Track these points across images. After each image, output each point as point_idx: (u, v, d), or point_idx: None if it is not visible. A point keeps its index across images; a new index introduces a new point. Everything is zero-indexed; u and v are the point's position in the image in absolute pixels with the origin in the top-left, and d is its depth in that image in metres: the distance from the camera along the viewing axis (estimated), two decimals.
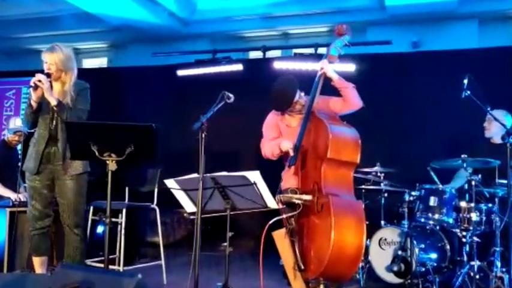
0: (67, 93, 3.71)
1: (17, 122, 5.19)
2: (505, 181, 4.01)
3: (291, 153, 3.54)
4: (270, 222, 3.30)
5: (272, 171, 3.86)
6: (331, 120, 3.52)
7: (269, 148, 3.81)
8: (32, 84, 3.56)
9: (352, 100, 3.69)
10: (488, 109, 4.18)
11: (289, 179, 3.72)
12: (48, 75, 3.64)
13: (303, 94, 3.81)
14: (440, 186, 4.44)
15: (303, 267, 3.37)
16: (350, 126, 3.58)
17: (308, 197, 3.37)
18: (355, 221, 3.25)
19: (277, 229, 3.53)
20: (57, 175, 3.75)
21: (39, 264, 3.86)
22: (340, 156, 3.40)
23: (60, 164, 3.71)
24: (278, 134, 3.89)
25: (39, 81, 3.55)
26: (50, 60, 3.68)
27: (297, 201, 3.38)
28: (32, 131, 3.86)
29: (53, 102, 3.61)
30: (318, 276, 3.28)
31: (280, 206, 3.42)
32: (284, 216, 3.46)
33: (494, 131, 4.74)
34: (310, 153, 3.59)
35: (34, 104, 3.65)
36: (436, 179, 4.59)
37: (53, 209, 3.86)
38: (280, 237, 3.54)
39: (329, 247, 3.10)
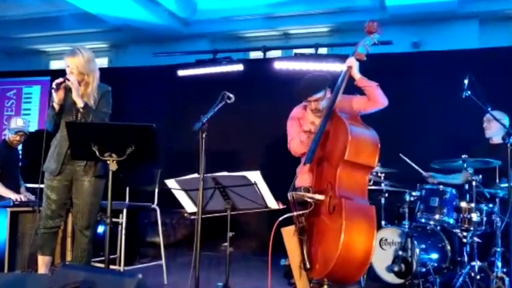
0: (90, 96, 3.73)
1: (18, 122, 5.18)
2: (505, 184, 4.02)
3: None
4: (280, 218, 3.28)
5: (278, 170, 3.87)
6: (351, 121, 3.44)
7: (294, 147, 3.80)
8: (54, 86, 3.57)
9: (377, 99, 3.63)
10: (489, 109, 4.18)
11: (303, 176, 3.69)
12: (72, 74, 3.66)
13: (329, 95, 3.73)
14: (441, 186, 4.43)
15: (308, 266, 3.35)
16: (370, 128, 3.49)
17: (321, 197, 3.33)
18: (366, 226, 3.19)
19: (284, 226, 3.51)
20: (76, 176, 3.77)
21: (42, 263, 3.85)
22: (358, 159, 3.32)
23: (81, 165, 3.73)
24: (300, 131, 3.84)
25: (69, 80, 3.57)
26: (71, 64, 3.69)
27: (309, 200, 3.35)
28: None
29: (80, 104, 3.63)
30: (322, 277, 3.26)
31: (281, 206, 3.40)
32: (295, 213, 3.43)
33: (494, 131, 4.75)
34: (328, 152, 3.53)
35: (56, 106, 3.67)
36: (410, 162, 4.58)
37: (66, 209, 3.88)
38: (289, 234, 3.51)
39: (337, 250, 3.06)
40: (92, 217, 3.79)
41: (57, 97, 3.63)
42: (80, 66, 3.68)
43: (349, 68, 3.67)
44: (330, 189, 3.33)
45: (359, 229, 3.17)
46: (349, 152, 3.28)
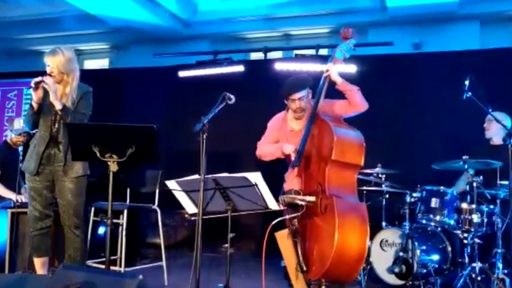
0: (69, 96, 3.72)
1: (21, 123, 5.21)
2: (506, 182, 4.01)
3: (293, 157, 3.57)
4: (273, 222, 3.30)
5: (274, 173, 3.87)
6: (335, 123, 3.53)
7: (267, 150, 3.86)
8: (32, 85, 3.56)
9: (357, 103, 3.71)
10: (490, 110, 4.18)
11: (292, 180, 3.74)
12: (50, 76, 3.64)
13: (310, 97, 3.83)
14: (442, 187, 4.43)
15: (305, 268, 3.37)
16: (354, 129, 3.58)
17: (312, 198, 3.38)
18: (359, 222, 3.25)
19: (280, 230, 3.54)
20: (56, 176, 3.76)
21: (40, 264, 3.87)
22: (345, 158, 3.40)
23: (61, 165, 3.72)
24: (278, 140, 3.92)
25: (46, 83, 3.55)
26: (52, 63, 3.69)
27: (300, 202, 3.38)
28: (33, 131, 3.87)
29: (58, 106, 3.61)
30: (320, 278, 3.28)
31: (281, 207, 3.43)
32: (287, 217, 3.47)
33: (494, 132, 4.75)
34: (314, 154, 3.59)
35: (35, 105, 3.66)
36: None
37: (53, 209, 3.87)
38: (283, 238, 3.54)
39: (332, 248, 3.09)
40: (78, 217, 3.79)
41: (35, 96, 3.61)
42: (60, 66, 3.68)
43: (328, 72, 3.73)
44: (320, 190, 3.38)
45: (352, 226, 3.21)
46: (336, 151, 3.35)
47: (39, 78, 3.56)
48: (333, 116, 3.68)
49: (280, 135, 3.91)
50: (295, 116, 3.87)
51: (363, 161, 3.48)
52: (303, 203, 3.37)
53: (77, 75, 3.78)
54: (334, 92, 3.79)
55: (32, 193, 3.77)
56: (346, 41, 3.84)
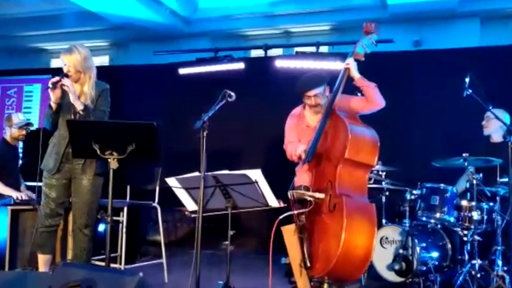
0: (87, 94, 3.72)
1: (20, 117, 5.25)
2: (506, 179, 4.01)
3: (303, 157, 3.55)
4: (280, 217, 3.29)
5: (278, 169, 3.87)
6: (351, 120, 3.48)
7: (290, 151, 3.82)
8: (49, 85, 3.55)
9: (374, 99, 3.68)
10: (490, 107, 4.18)
11: (302, 175, 3.72)
12: (66, 75, 3.64)
13: (328, 93, 3.81)
14: (442, 185, 4.43)
15: (309, 264, 3.36)
16: (369, 128, 3.53)
17: (321, 195, 3.35)
18: (367, 224, 3.21)
19: (285, 225, 3.53)
20: (74, 174, 3.76)
21: (43, 262, 3.87)
22: (358, 157, 3.36)
23: (80, 164, 3.73)
24: (298, 137, 3.89)
25: (65, 85, 3.55)
26: (68, 62, 3.67)
27: (309, 198, 3.36)
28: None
29: (80, 106, 3.62)
30: (323, 276, 3.27)
31: (282, 205, 3.41)
32: (295, 212, 3.45)
33: (493, 129, 4.75)
34: (327, 151, 3.56)
35: (53, 105, 3.66)
36: None
37: (64, 208, 3.88)
38: (289, 233, 3.53)
39: (338, 248, 3.08)
40: (91, 216, 3.79)
41: (53, 96, 3.61)
42: (77, 64, 3.67)
43: (347, 68, 3.71)
44: (330, 188, 3.35)
45: (360, 227, 3.18)
46: (349, 150, 3.31)
47: (56, 78, 3.56)
48: (348, 111, 3.64)
49: (297, 132, 3.88)
50: (311, 112, 3.86)
51: (376, 161, 3.45)
52: (311, 199, 3.35)
53: (94, 73, 3.78)
54: (351, 89, 3.76)
55: (47, 190, 3.76)
56: (368, 36, 3.80)
